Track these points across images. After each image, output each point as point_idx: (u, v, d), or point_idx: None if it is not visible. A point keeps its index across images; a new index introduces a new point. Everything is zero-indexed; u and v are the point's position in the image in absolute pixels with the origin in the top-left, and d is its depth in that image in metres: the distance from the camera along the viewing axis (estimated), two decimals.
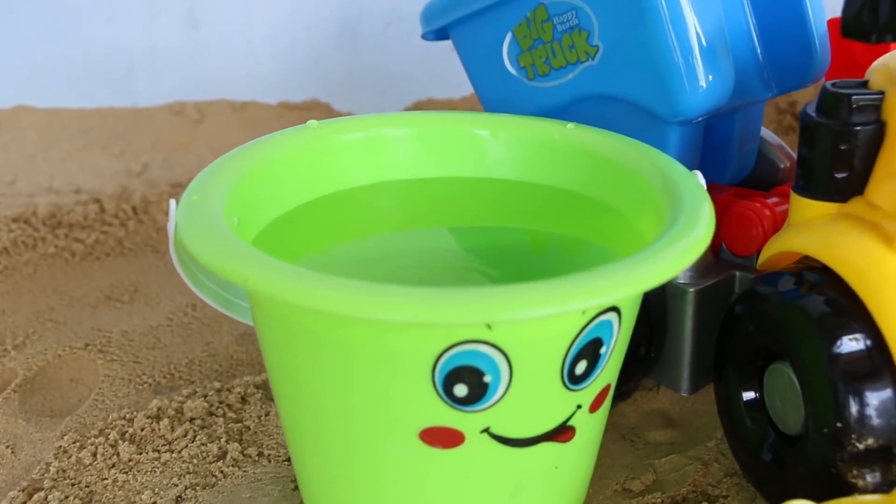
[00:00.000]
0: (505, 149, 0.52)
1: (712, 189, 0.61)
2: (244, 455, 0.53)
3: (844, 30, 0.44)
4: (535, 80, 0.60)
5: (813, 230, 0.47)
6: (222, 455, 0.53)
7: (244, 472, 0.52)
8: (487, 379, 0.36)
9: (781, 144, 0.66)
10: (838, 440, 0.42)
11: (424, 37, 0.66)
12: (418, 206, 0.52)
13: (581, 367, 0.38)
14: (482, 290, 0.33)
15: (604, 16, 0.54)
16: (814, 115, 0.46)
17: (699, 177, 0.46)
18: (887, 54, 0.49)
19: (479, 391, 0.36)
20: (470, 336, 0.35)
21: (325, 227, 0.48)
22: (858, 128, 0.45)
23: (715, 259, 0.59)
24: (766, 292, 0.47)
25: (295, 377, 0.40)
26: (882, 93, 0.45)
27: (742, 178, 0.65)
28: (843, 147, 0.46)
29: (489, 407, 0.37)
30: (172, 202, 0.41)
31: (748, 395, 0.50)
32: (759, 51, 0.60)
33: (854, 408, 0.42)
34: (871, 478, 0.42)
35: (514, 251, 0.49)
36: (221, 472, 0.51)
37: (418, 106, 0.99)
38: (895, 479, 0.42)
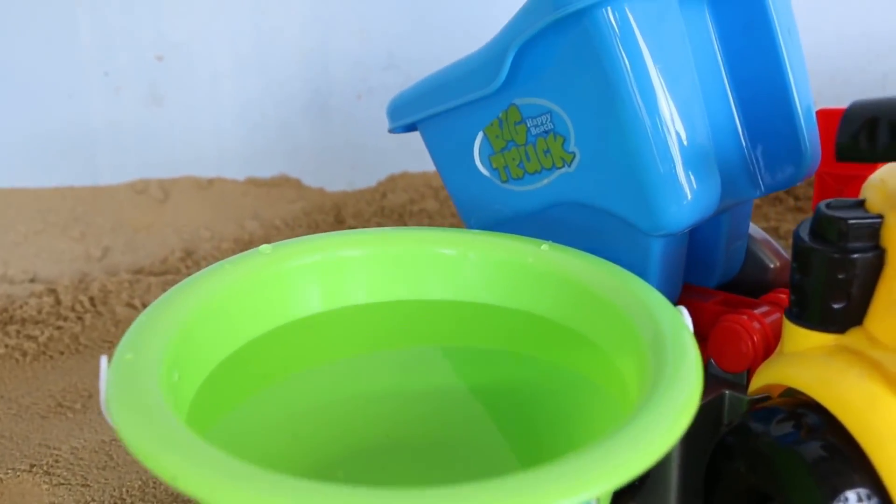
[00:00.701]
0: (474, 270, 0.49)
1: (699, 295, 0.58)
2: None
3: (840, 154, 0.40)
4: (509, 183, 0.56)
5: (808, 364, 0.43)
6: None
7: None
8: None
9: (769, 241, 0.62)
10: None
11: (391, 131, 0.62)
12: (379, 333, 0.48)
13: None
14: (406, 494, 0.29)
15: (580, 121, 0.51)
16: (808, 239, 0.43)
17: (685, 315, 0.42)
18: (883, 168, 0.46)
19: None
20: None
21: (277, 365, 0.44)
22: (856, 255, 0.42)
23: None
24: (758, 430, 0.43)
25: None
26: (881, 216, 0.42)
27: (730, 279, 0.61)
28: (839, 276, 0.42)
29: None
30: (104, 360, 0.37)
31: None
32: (746, 148, 0.56)
33: None
34: None
35: (478, 389, 0.45)
36: None
37: (392, 180, 0.95)
38: None
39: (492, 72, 0.52)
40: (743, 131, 0.56)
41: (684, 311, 0.42)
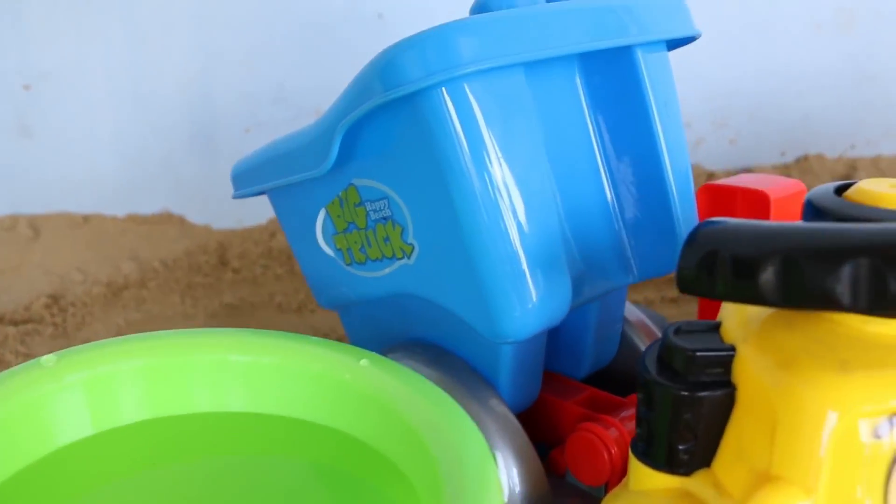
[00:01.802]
0: (284, 381, 0.43)
1: (563, 389, 0.53)
2: None
3: (681, 286, 0.35)
4: (352, 267, 0.51)
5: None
6: None
7: None
8: None
9: (646, 324, 0.57)
10: None
11: (235, 197, 0.56)
12: (162, 450, 0.42)
13: None
14: None
15: (417, 212, 0.45)
16: (652, 370, 0.38)
17: (500, 471, 0.37)
18: None
19: None
20: None
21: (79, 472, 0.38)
22: (703, 393, 0.36)
23: (561, 480, 0.50)
24: None
25: None
26: (733, 348, 0.37)
27: (605, 365, 0.56)
28: (685, 415, 0.37)
29: None
30: None
31: None
32: (619, 230, 0.51)
33: None
34: None
35: None
36: None
37: None
38: None
39: (322, 153, 0.46)
40: (616, 212, 0.51)
41: (500, 466, 0.37)
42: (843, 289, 0.31)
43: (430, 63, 0.40)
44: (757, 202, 0.54)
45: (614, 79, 0.49)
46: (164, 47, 0.86)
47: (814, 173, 1.03)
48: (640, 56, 0.48)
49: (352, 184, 0.48)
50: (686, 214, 0.50)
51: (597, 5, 0.46)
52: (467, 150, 0.41)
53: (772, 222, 0.34)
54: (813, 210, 0.37)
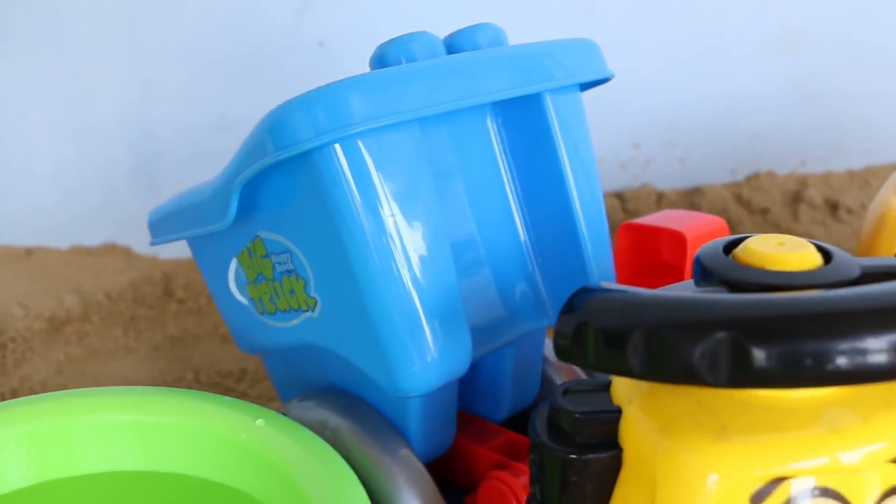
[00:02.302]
0: (177, 439, 0.43)
1: (480, 433, 0.52)
2: None
3: (558, 355, 0.35)
4: (264, 316, 0.51)
5: None
6: None
7: None
8: None
9: (569, 365, 0.57)
10: None
11: (153, 244, 0.56)
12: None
13: None
14: None
15: (317, 266, 0.45)
16: (542, 433, 0.37)
17: None
18: None
19: None
20: None
21: None
22: (590, 456, 0.36)
23: None
24: None
25: None
26: (619, 410, 0.37)
27: (525, 407, 0.56)
28: (573, 477, 0.37)
29: None
30: None
31: None
32: (533, 274, 0.51)
33: None
34: None
35: None
36: None
37: None
38: None
39: (222, 208, 0.45)
40: (530, 256, 0.51)
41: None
42: (703, 363, 0.30)
43: (320, 123, 0.40)
44: (674, 242, 0.54)
45: (524, 124, 0.49)
46: (102, 80, 0.85)
47: (765, 190, 1.03)
48: (549, 101, 0.48)
49: (258, 236, 0.48)
50: (599, 257, 0.50)
51: (498, 55, 0.46)
52: (361, 207, 0.41)
53: (644, 291, 0.33)
54: (701, 270, 0.37)
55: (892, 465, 0.34)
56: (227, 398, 0.46)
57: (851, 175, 1.10)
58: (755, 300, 0.31)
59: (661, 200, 0.99)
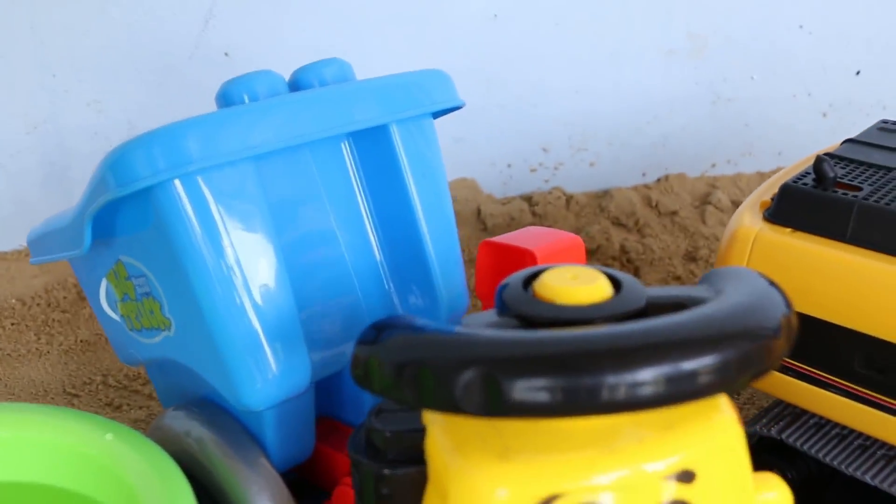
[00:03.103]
0: (34, 451, 0.46)
1: (342, 439, 0.56)
2: None
3: (372, 388, 0.38)
4: (134, 332, 0.54)
5: None
6: None
7: None
8: None
9: None
10: None
11: (33, 263, 0.58)
12: None
13: None
14: None
15: (168, 290, 0.48)
16: (358, 450, 0.41)
17: None
18: None
19: None
20: None
21: None
22: (398, 471, 0.40)
23: None
24: None
25: None
26: (423, 429, 0.40)
27: None
28: (383, 490, 0.40)
29: None
30: None
31: None
32: (392, 294, 0.54)
33: None
34: None
35: None
36: None
37: None
38: None
39: (79, 237, 0.48)
40: (386, 274, 0.54)
41: None
42: (461, 396, 0.34)
43: (157, 162, 0.43)
44: (525, 259, 0.57)
45: (374, 152, 0.52)
46: (8, 90, 0.87)
47: (674, 193, 1.07)
48: (395, 131, 0.51)
49: (119, 259, 0.50)
50: (447, 276, 0.53)
51: (336, 92, 0.48)
52: (202, 238, 0.44)
53: (428, 327, 0.36)
54: (500, 302, 0.40)
55: (666, 481, 0.37)
56: (85, 413, 0.49)
57: (761, 177, 1.13)
58: (509, 338, 0.34)
59: (570, 203, 1.02)
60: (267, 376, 0.46)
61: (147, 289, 0.49)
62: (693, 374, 0.34)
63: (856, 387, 0.57)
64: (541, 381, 0.33)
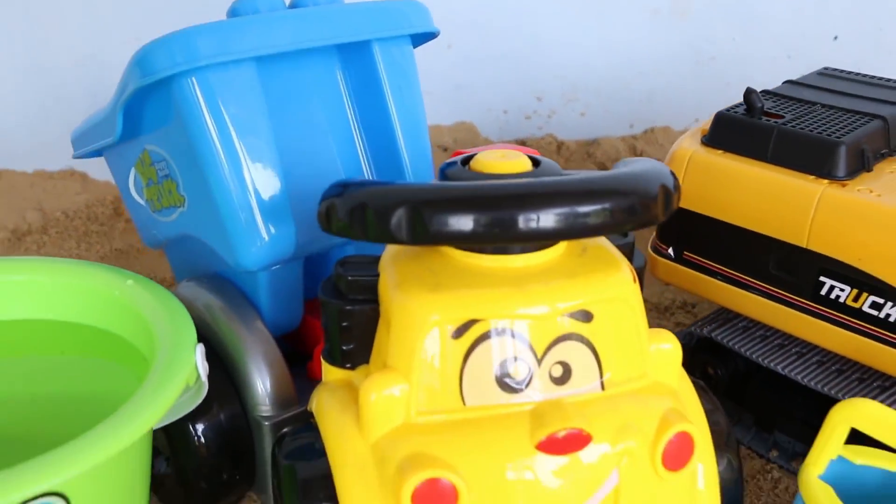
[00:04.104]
0: (65, 295, 0.57)
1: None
2: None
3: (330, 229, 0.47)
4: (156, 214, 0.64)
5: (322, 391, 0.51)
6: None
7: None
8: None
9: None
10: None
11: (75, 157, 0.69)
12: None
13: None
14: None
15: (183, 170, 0.58)
16: (326, 294, 0.51)
17: (198, 352, 0.50)
18: None
19: None
20: None
21: None
22: (355, 307, 0.49)
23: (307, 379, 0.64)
24: (280, 445, 0.51)
25: None
26: (377, 274, 0.50)
27: None
28: (344, 323, 0.50)
29: None
30: None
31: None
32: None
33: None
34: None
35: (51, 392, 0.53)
36: None
37: None
38: None
39: (112, 125, 0.59)
40: (368, 168, 0.64)
41: (199, 349, 0.50)
42: (395, 227, 0.43)
43: (175, 56, 0.53)
44: None
45: (359, 66, 0.62)
46: (55, 27, 0.98)
47: (658, 143, 1.16)
48: (377, 49, 0.61)
49: (145, 148, 0.61)
50: (417, 172, 0.63)
51: (328, 10, 0.58)
52: (210, 125, 0.54)
53: (375, 181, 0.46)
54: (442, 175, 0.50)
55: (567, 318, 0.47)
56: (109, 266, 0.60)
57: None
58: (431, 185, 0.44)
59: (560, 149, 1.11)
60: (260, 241, 0.56)
61: (167, 171, 0.59)
62: (569, 216, 0.43)
63: (771, 287, 0.66)
64: (453, 214, 0.43)
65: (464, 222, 0.43)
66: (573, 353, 0.47)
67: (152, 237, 0.67)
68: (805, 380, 0.65)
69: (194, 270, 0.66)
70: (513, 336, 0.46)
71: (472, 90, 1.09)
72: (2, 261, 0.59)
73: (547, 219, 0.43)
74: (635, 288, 0.49)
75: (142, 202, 0.65)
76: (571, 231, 0.44)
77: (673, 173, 0.48)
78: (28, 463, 0.41)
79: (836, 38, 1.15)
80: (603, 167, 1.10)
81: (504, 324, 0.46)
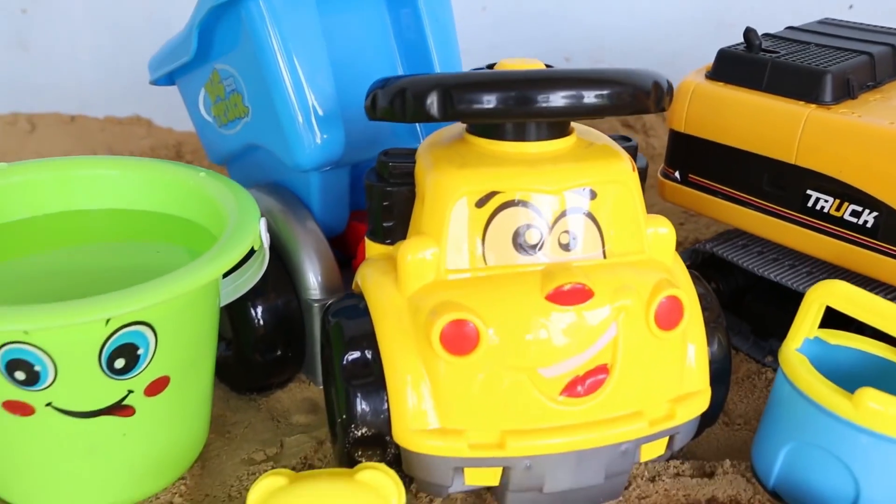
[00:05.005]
0: (139, 186, 0.66)
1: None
2: None
3: (376, 115, 0.56)
4: (222, 129, 0.73)
5: (366, 265, 0.60)
6: None
7: None
8: (37, 368, 0.50)
9: None
10: (345, 427, 0.56)
11: (152, 83, 0.79)
12: (64, 232, 0.65)
13: (120, 363, 0.51)
14: (18, 308, 0.47)
15: (248, 83, 0.67)
16: (368, 178, 0.60)
17: (262, 224, 0.59)
18: (438, 131, 0.62)
19: (32, 377, 0.50)
20: (13, 339, 0.49)
21: None
22: (394, 188, 0.58)
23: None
24: (328, 312, 0.60)
25: None
26: (415, 160, 0.59)
27: None
28: (385, 203, 0.59)
29: (46, 388, 0.51)
30: None
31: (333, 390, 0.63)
32: None
33: (354, 404, 0.55)
34: (368, 458, 0.56)
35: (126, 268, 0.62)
36: None
37: None
38: (388, 458, 0.56)
39: (188, 44, 0.68)
40: None
41: (262, 222, 0.59)
42: (429, 106, 0.52)
43: None
44: None
45: (404, 13, 0.71)
46: None
47: None
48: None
49: (214, 68, 0.70)
50: None
51: None
52: (274, 42, 0.63)
53: (412, 74, 0.55)
54: None
55: (574, 193, 0.55)
56: (182, 163, 0.69)
57: None
58: (460, 73, 0.53)
59: None
60: (314, 142, 0.65)
61: (234, 86, 0.69)
62: (575, 97, 0.52)
63: (765, 202, 0.74)
64: (477, 93, 0.51)
65: (486, 100, 0.51)
66: (579, 224, 0.55)
67: (217, 152, 0.76)
68: (796, 286, 0.72)
69: (254, 181, 0.75)
70: (527, 207, 0.55)
71: (505, 50, 1.17)
72: (100, 158, 0.68)
73: (555, 98, 0.51)
74: (634, 176, 0.58)
75: (209, 119, 0.74)
76: (576, 110, 0.52)
77: (668, 81, 0.57)
78: (122, 291, 0.49)
79: (851, 6, 1.22)
80: (626, 123, 1.19)
81: (520, 196, 0.55)
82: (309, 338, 0.70)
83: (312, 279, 0.68)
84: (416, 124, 0.74)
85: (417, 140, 0.73)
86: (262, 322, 0.68)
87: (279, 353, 0.69)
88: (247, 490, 0.62)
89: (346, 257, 0.75)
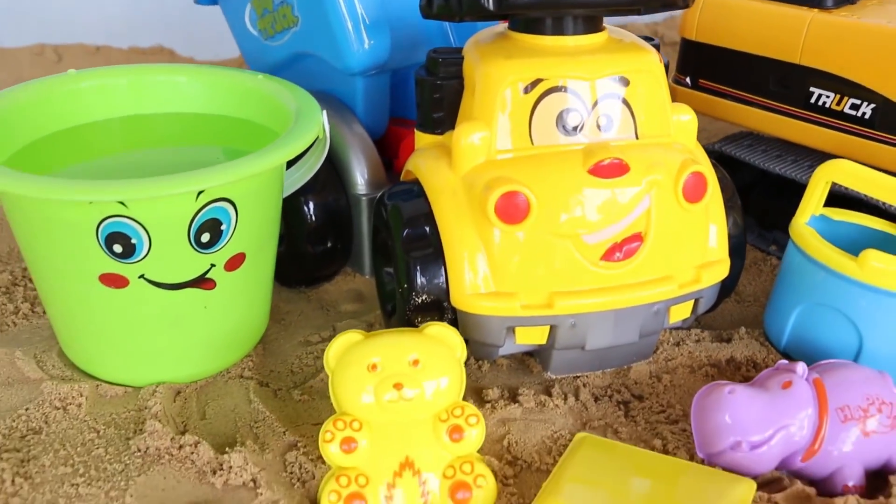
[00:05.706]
0: (203, 90, 0.71)
1: (404, 125, 0.80)
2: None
3: (432, 12, 0.62)
4: (268, 41, 0.79)
5: (417, 154, 0.66)
6: (15, 311, 0.72)
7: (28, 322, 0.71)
8: (133, 241, 0.55)
9: None
10: (406, 296, 0.62)
11: (197, 3, 0.84)
12: (139, 133, 0.71)
13: (205, 237, 0.57)
14: (119, 181, 0.52)
15: None
16: (418, 72, 0.65)
17: (324, 116, 0.65)
18: (479, 31, 0.68)
19: (129, 249, 0.56)
20: (113, 212, 0.54)
21: (70, 150, 0.67)
22: (444, 82, 0.64)
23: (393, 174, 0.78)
24: (385, 197, 0.66)
25: (29, 250, 0.59)
26: (462, 56, 0.64)
27: None
28: (436, 95, 0.65)
29: (140, 260, 0.56)
30: None
31: (387, 270, 0.70)
32: (446, 26, 0.79)
33: (414, 274, 0.61)
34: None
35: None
36: (14, 322, 0.71)
37: None
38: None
39: None
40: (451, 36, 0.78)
41: (324, 114, 0.65)
42: (487, 1, 0.58)
43: None
44: None
45: None
46: None
47: (678, 28, 1.29)
48: None
49: None
50: None
51: None
52: None
53: None
54: None
55: (608, 80, 0.61)
56: (240, 69, 0.74)
57: None
58: None
59: None
60: (363, 46, 0.71)
61: None
62: None
63: (771, 102, 0.80)
64: None
65: None
66: (614, 108, 0.62)
67: (262, 65, 0.81)
68: (798, 177, 0.79)
69: None
70: (569, 92, 0.61)
71: None
72: (167, 66, 0.73)
73: None
74: (661, 67, 0.64)
75: (254, 32, 0.79)
76: (617, 1, 0.58)
77: None
78: (211, 167, 0.55)
79: None
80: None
81: (562, 82, 0.61)
82: (357, 232, 0.76)
83: (359, 176, 0.74)
84: (449, 33, 0.79)
85: (449, 42, 0.79)
86: (314, 217, 0.73)
87: (329, 245, 0.75)
88: (307, 366, 0.69)
89: (386, 159, 0.81)
